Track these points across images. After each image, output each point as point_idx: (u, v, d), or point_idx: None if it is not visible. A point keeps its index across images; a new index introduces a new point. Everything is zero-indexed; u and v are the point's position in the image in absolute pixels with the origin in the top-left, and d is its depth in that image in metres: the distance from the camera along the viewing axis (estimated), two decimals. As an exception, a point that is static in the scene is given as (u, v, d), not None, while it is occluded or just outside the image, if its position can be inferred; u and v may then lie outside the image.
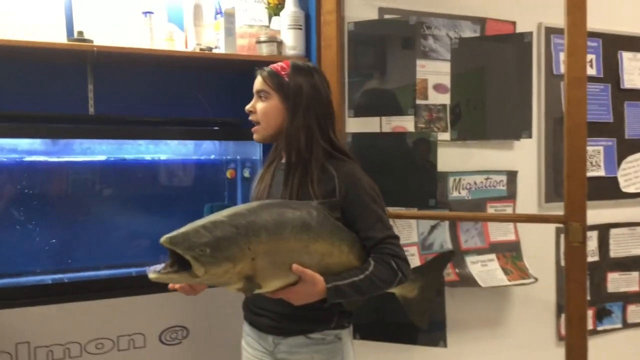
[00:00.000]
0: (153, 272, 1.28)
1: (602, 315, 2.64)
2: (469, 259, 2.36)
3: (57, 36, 2.07)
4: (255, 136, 1.66)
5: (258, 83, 1.63)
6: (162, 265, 1.30)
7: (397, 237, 1.58)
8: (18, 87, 2.19)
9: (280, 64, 1.64)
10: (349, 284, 1.47)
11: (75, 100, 2.25)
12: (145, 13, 2.15)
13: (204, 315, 2.09)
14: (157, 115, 2.28)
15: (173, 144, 2.30)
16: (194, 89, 2.41)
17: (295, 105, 1.59)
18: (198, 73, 2.44)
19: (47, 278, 2.09)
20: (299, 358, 1.59)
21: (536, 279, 2.42)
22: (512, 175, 2.42)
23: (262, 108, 1.62)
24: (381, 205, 1.60)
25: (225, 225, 1.32)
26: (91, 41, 2.01)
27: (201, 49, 2.19)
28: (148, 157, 2.31)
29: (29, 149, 2.08)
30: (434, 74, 2.26)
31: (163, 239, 1.26)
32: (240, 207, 1.43)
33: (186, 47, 2.26)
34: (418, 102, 2.20)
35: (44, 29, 2.06)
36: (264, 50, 2.28)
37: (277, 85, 1.60)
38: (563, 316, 2.44)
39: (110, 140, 2.18)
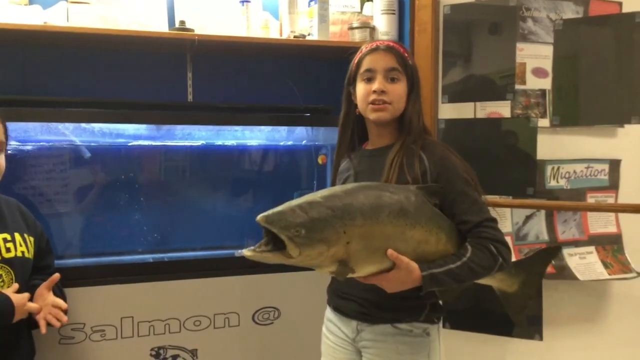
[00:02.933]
0: (248, 250, 1.27)
1: None
2: (566, 251, 2.26)
3: (159, 26, 2.16)
4: (382, 114, 1.53)
5: (389, 61, 1.53)
6: (258, 243, 1.28)
7: (495, 220, 1.49)
8: (123, 76, 2.31)
9: (393, 42, 1.58)
10: (446, 272, 1.40)
11: (175, 88, 2.35)
12: (242, 2, 2.20)
13: (296, 297, 2.13)
14: (251, 102, 2.34)
15: (266, 130, 2.35)
16: (286, 76, 2.45)
17: (415, 89, 1.57)
18: (291, 60, 2.48)
19: (148, 257, 2.20)
20: (382, 347, 1.53)
21: (638, 274, 2.29)
22: (614, 164, 2.29)
23: (398, 90, 1.53)
24: (476, 187, 1.52)
25: (322, 206, 1.29)
26: (192, 30, 2.09)
27: (295, 37, 2.22)
28: (243, 142, 2.38)
29: (133, 134, 2.19)
30: (533, 58, 2.16)
31: (259, 217, 1.25)
32: (336, 189, 1.40)
33: (281, 34, 2.30)
34: (516, 87, 2.12)
35: (147, 19, 2.16)
36: (357, 37, 2.28)
37: (405, 67, 1.54)
38: (668, 314, 2.33)
39: (208, 127, 2.26)
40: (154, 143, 2.25)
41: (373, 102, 1.53)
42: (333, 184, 1.72)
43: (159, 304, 2.01)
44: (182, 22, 2.10)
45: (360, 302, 1.55)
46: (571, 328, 2.31)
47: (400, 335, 1.53)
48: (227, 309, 2.08)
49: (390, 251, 1.35)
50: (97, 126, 2.13)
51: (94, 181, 2.20)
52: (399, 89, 1.53)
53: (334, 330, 1.65)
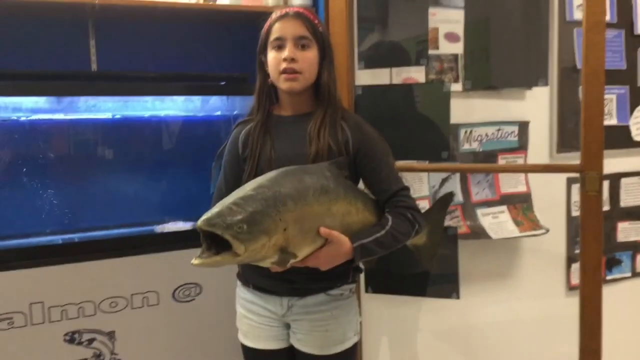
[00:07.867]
0: (195, 259, 1.26)
1: (611, 264, 2.65)
2: (480, 211, 2.35)
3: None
4: (294, 84, 1.52)
5: (298, 28, 1.51)
6: (200, 250, 1.28)
7: (408, 189, 1.58)
8: (18, 44, 2.14)
9: (303, 10, 1.55)
10: (373, 241, 1.47)
11: (77, 57, 2.20)
12: (146, -37, 2.08)
13: (217, 271, 2.07)
14: (161, 71, 2.24)
15: (179, 100, 2.26)
16: (198, 43, 2.35)
17: (328, 56, 1.56)
18: (202, 26, 2.38)
19: (58, 238, 2.09)
20: (317, 317, 1.57)
21: (547, 230, 2.41)
22: (523, 126, 2.38)
23: (309, 58, 1.52)
24: (391, 157, 1.60)
25: (254, 199, 1.31)
26: (92, -6, 1.95)
27: (205, 1, 2.13)
28: (154, 114, 2.28)
29: (33, 107, 2.05)
30: (445, 23, 2.18)
31: (200, 222, 1.24)
32: (261, 179, 1.40)
33: (189, -1, 2.20)
34: (429, 52, 2.14)
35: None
36: (269, 2, 2.21)
37: (315, 34, 1.53)
38: (573, 266, 2.47)
39: (115, 98, 2.14)
40: (56, 117, 2.11)
41: (284, 71, 1.51)
42: (224, 151, 1.69)
43: (71, 287, 1.91)
44: (80, -14, 1.96)
45: (290, 279, 1.55)
46: (485, 285, 2.41)
47: (333, 301, 1.58)
48: (146, 288, 2.01)
49: (322, 228, 1.40)
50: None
51: (-8, 159, 2.05)
52: (310, 57, 1.53)
53: (256, 310, 1.64)
